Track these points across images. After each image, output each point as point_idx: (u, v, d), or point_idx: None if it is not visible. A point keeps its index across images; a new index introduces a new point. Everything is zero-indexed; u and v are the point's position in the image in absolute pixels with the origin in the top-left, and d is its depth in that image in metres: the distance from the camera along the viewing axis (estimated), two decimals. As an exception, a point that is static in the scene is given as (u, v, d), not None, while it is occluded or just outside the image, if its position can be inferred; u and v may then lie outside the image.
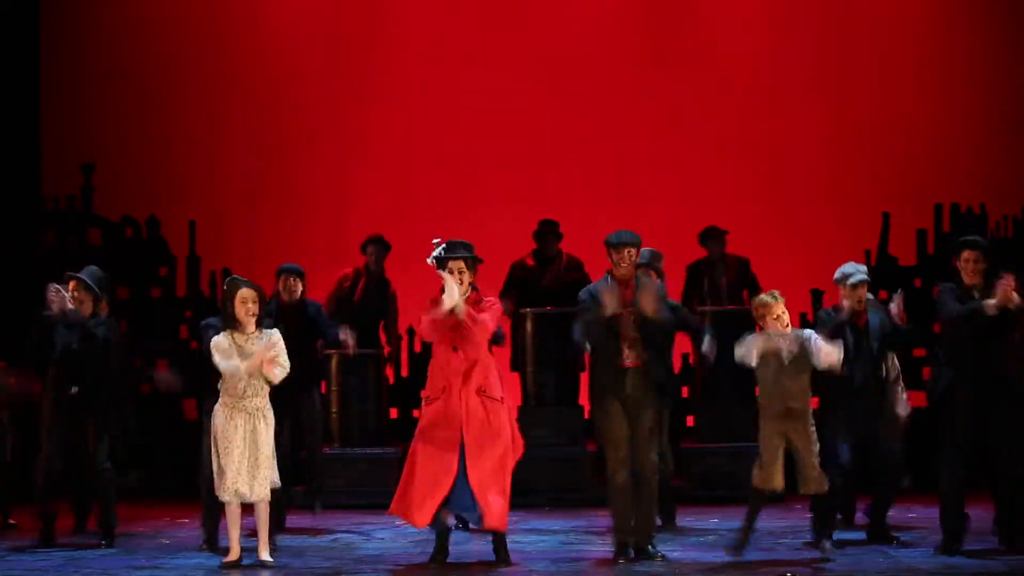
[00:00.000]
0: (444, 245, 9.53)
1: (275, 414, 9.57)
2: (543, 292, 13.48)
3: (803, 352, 9.41)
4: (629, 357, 9.49)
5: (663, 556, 9.53)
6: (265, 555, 9.51)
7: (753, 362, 9.46)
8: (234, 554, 9.48)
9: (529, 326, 13.08)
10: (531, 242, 13.91)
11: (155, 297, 15.19)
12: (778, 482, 9.44)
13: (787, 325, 9.50)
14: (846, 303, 9.88)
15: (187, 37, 15.33)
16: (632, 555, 9.53)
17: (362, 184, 15.21)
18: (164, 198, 15.27)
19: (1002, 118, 15.11)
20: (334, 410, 12.92)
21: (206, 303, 14.73)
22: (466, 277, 9.48)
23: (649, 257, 10.98)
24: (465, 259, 9.48)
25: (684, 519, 11.38)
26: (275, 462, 9.53)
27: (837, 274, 10.09)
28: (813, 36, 15.28)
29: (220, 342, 9.45)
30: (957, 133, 15.13)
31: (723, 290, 13.71)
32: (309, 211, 15.11)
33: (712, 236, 13.77)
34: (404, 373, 14.54)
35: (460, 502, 9.34)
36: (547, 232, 13.83)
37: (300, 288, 11.44)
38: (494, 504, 9.30)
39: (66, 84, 15.31)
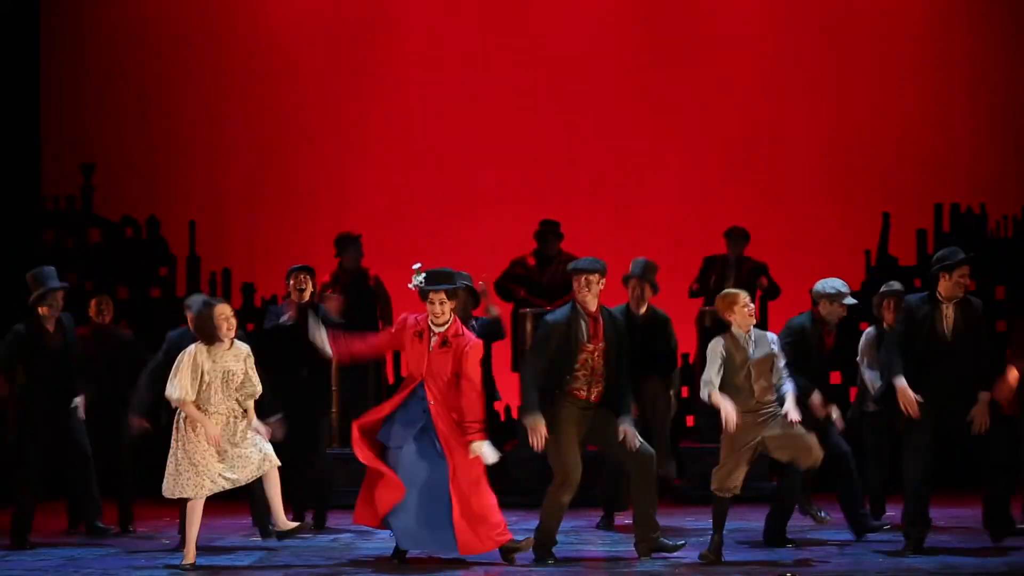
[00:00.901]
0: (424, 275, 9.43)
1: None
2: (543, 288, 13.48)
3: (770, 351, 9.34)
4: (594, 392, 9.41)
5: (677, 546, 9.52)
6: (282, 523, 9.47)
7: (716, 395, 9.26)
8: (190, 556, 9.42)
9: (529, 326, 13.06)
10: (531, 242, 13.91)
11: (155, 297, 15.19)
12: (737, 483, 9.34)
13: (752, 315, 9.36)
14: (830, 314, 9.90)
15: (187, 37, 15.33)
16: (553, 558, 9.48)
17: (362, 184, 15.21)
18: (164, 198, 15.28)
19: (1002, 118, 15.11)
20: (334, 410, 12.91)
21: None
22: (447, 307, 9.38)
23: (642, 268, 10.93)
24: (446, 290, 9.38)
25: (684, 519, 11.38)
26: (259, 444, 9.41)
27: (828, 288, 10.01)
28: (813, 36, 15.29)
29: (190, 357, 9.37)
30: (957, 133, 15.13)
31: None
32: (309, 211, 15.11)
33: (731, 236, 13.73)
34: (404, 372, 14.49)
35: (420, 540, 9.39)
36: (547, 232, 13.84)
37: (310, 286, 11.40)
38: (479, 533, 9.32)
39: (66, 84, 15.31)
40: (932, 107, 15.14)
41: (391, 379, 13.91)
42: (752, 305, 9.41)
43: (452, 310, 9.43)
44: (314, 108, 15.32)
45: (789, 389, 9.31)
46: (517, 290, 13.66)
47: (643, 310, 10.98)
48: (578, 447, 9.46)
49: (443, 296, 9.36)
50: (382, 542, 10.71)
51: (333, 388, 12.90)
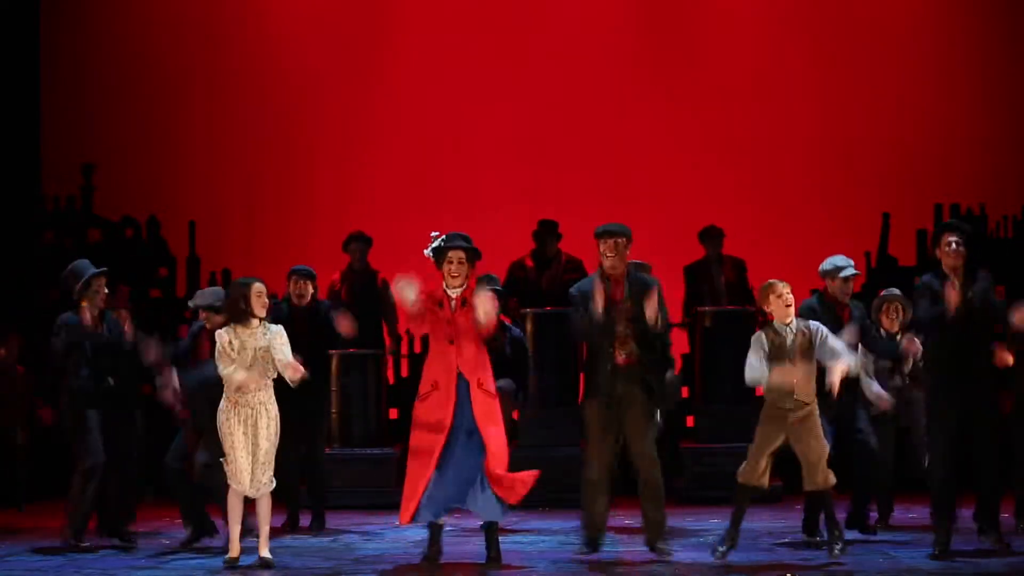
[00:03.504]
0: (444, 237, 9.46)
1: (282, 414, 9.52)
2: (542, 292, 13.49)
3: (810, 344, 9.33)
4: (620, 355, 9.47)
5: (670, 552, 9.51)
6: (266, 552, 9.45)
7: (765, 375, 9.30)
8: (234, 551, 9.44)
9: (529, 326, 13.04)
10: (531, 242, 13.91)
11: (155, 297, 15.19)
12: (763, 480, 9.34)
13: (790, 305, 9.38)
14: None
15: (187, 37, 15.34)
16: (595, 550, 9.52)
17: (362, 184, 15.22)
18: (164, 198, 15.29)
19: (1002, 119, 15.12)
20: (334, 410, 12.90)
21: (206, 303, 14.72)
22: (464, 269, 9.40)
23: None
24: (465, 250, 9.41)
25: (684, 519, 11.37)
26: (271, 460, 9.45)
27: (827, 265, 10.07)
28: (812, 36, 15.30)
29: (223, 340, 9.41)
30: (957, 133, 15.14)
31: (721, 290, 13.71)
32: (309, 211, 15.11)
33: (709, 236, 13.77)
34: (404, 373, 14.53)
35: (449, 498, 9.30)
36: (546, 232, 13.84)
37: (310, 290, 11.42)
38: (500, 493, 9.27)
39: (66, 84, 15.32)
40: (932, 107, 15.15)
41: (391, 379, 13.90)
42: (791, 296, 9.40)
43: (466, 276, 9.42)
44: (314, 108, 15.32)
45: (838, 358, 9.24)
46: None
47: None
48: (605, 422, 9.46)
49: (462, 255, 9.37)
50: (382, 542, 10.72)
51: (333, 388, 12.92)
